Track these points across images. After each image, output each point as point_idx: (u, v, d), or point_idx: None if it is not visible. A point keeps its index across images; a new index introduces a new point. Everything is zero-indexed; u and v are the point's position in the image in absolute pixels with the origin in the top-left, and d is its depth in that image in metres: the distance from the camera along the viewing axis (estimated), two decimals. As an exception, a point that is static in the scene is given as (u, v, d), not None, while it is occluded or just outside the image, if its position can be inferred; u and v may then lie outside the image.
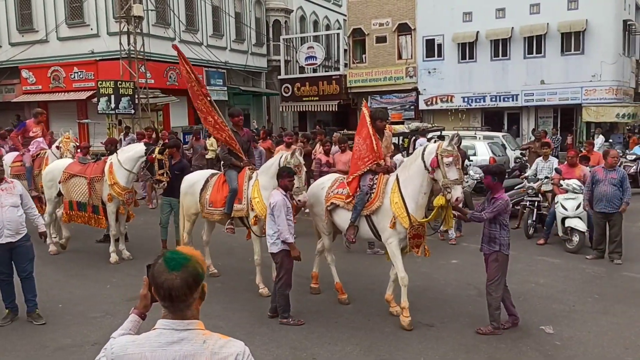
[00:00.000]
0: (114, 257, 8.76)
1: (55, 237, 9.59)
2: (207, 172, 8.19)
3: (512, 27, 24.77)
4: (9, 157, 10.78)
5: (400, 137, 16.59)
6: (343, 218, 6.61)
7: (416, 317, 6.28)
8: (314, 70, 30.70)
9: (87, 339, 5.96)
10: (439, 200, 5.86)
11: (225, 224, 7.44)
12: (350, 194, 6.51)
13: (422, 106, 27.48)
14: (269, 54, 31.40)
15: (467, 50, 26.30)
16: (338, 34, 31.61)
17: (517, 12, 24.59)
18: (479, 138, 17.78)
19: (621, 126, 24.73)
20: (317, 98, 29.33)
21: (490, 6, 25.12)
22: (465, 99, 26.49)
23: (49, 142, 10.83)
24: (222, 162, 7.96)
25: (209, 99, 7.84)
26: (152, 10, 22.47)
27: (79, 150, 10.49)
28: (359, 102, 29.49)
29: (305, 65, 30.44)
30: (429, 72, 27.17)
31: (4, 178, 6.45)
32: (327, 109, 29.31)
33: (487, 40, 25.54)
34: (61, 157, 9.88)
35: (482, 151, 15.63)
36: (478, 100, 26.30)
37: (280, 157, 6.81)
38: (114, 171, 8.55)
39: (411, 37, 27.70)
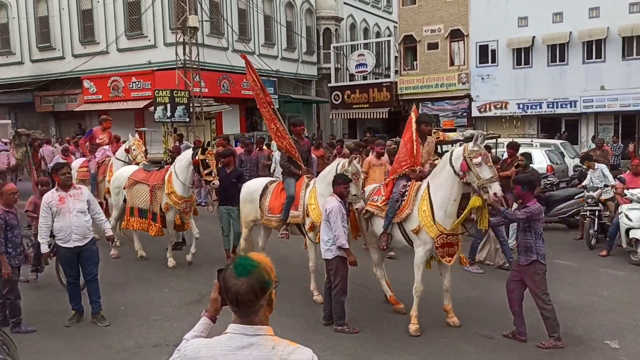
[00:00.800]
0: (171, 262, 8.92)
1: (117, 242, 9.92)
2: (265, 180, 8.29)
3: (570, 32, 24.06)
4: (76, 163, 11.24)
5: (453, 145, 16.37)
6: (379, 226, 6.63)
7: (473, 328, 6.16)
8: (364, 78, 30.69)
9: (148, 341, 6.13)
10: (475, 201, 5.79)
11: (280, 230, 7.55)
12: (385, 198, 6.56)
13: (475, 113, 27.03)
14: (319, 62, 31.61)
15: (522, 56, 25.73)
16: (389, 41, 31.51)
17: (575, 16, 23.88)
18: (536, 145, 17.30)
19: (687, 133, 23.60)
20: (367, 105, 29.30)
21: (546, 11, 24.50)
22: (521, 106, 25.88)
23: (114, 149, 11.16)
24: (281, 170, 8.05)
25: (272, 107, 7.98)
26: (206, 21, 23.00)
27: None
28: (409, 109, 29.00)
29: (356, 72, 30.47)
30: (482, 79, 26.71)
31: (72, 184, 6.73)
32: (377, 117, 29.22)
33: (543, 45, 24.91)
34: (132, 162, 10.08)
35: (539, 159, 15.19)
36: (534, 107, 25.64)
37: (338, 164, 6.83)
38: (172, 180, 8.68)
39: (464, 43, 27.33)
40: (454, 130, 19.71)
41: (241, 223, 8.22)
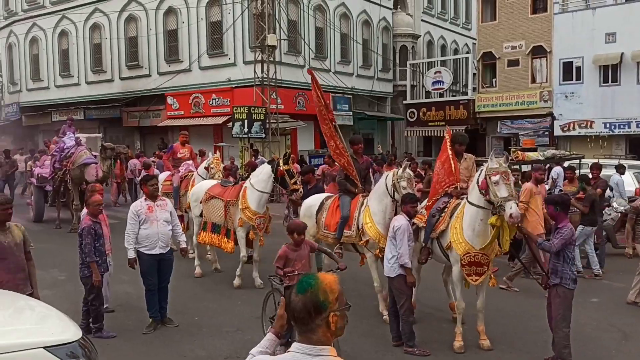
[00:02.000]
0: (237, 281, 8.83)
1: (209, 254, 10.23)
2: (322, 195, 8.34)
3: (663, 48, 22.71)
4: (161, 177, 11.72)
5: (532, 165, 15.76)
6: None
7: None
8: (441, 95, 30.27)
9: (220, 352, 6.25)
10: (492, 220, 5.76)
11: (335, 248, 7.52)
12: (426, 216, 6.66)
13: (557, 132, 25.95)
14: (394, 79, 31.51)
15: (609, 73, 24.50)
16: (467, 58, 30.98)
17: (668, 31, 22.53)
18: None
19: None
20: (443, 123, 28.78)
21: (636, 26, 23.23)
22: (607, 125, 24.60)
23: (197, 164, 11.53)
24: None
25: (334, 123, 8.03)
26: (284, 39, 23.51)
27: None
28: (487, 127, 28.56)
29: (432, 90, 30.12)
30: (566, 97, 25.65)
31: (158, 195, 7.10)
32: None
33: (633, 62, 23.63)
34: (211, 178, 10.26)
35: (627, 181, 14.35)
36: (622, 127, 24.29)
37: (386, 177, 6.92)
38: (247, 195, 8.64)
39: (546, 60, 26.41)
40: (535, 150, 19.00)
41: None
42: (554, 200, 5.86)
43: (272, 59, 21.88)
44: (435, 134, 29.66)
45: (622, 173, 13.67)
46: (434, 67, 30.63)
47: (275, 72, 22.00)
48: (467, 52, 34.45)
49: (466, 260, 5.97)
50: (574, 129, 25.53)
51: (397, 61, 31.51)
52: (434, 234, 6.44)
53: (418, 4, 33.11)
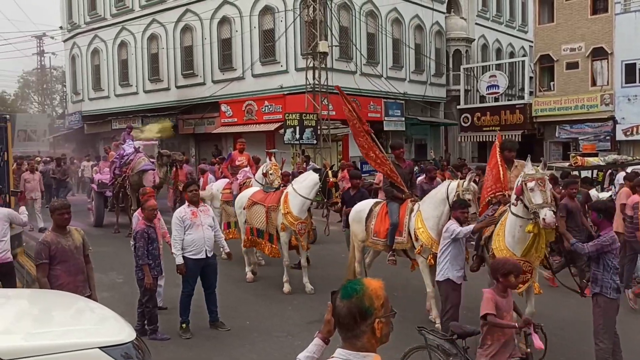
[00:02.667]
0: (286, 287, 8.83)
1: (260, 259, 10.33)
2: (371, 201, 8.33)
3: None
4: (220, 184, 11.87)
5: (593, 171, 15.21)
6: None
7: None
8: (496, 100, 29.62)
9: (271, 357, 6.29)
10: (529, 228, 5.68)
11: (388, 255, 7.58)
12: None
13: (619, 136, 24.90)
14: (448, 84, 31.06)
15: (676, 74, 23.36)
16: (523, 61, 30.20)
17: None
18: (692, 173, 15.51)
19: None
20: (498, 128, 28.15)
21: None
22: (674, 129, 23.45)
23: (254, 171, 11.66)
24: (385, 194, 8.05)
25: (370, 134, 8.02)
26: (336, 45, 23.59)
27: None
28: (545, 132, 27.73)
29: (487, 94, 29.51)
30: (629, 100, 24.60)
31: (200, 201, 7.23)
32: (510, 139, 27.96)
33: (701, 62, 22.46)
34: (269, 185, 10.19)
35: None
36: (691, 130, 23.10)
37: (448, 185, 6.87)
38: (289, 200, 8.66)
39: (607, 62, 25.43)
40: (596, 155, 18.31)
41: (351, 244, 8.31)
42: (597, 207, 5.71)
43: (323, 66, 21.99)
44: (490, 139, 29.00)
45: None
46: (489, 71, 30.02)
47: (327, 78, 22.08)
48: (524, 56, 33.62)
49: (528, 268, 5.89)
50: (637, 133, 24.44)
51: (451, 66, 31.07)
52: (482, 241, 6.43)
53: (472, 7, 32.57)
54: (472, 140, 30.29)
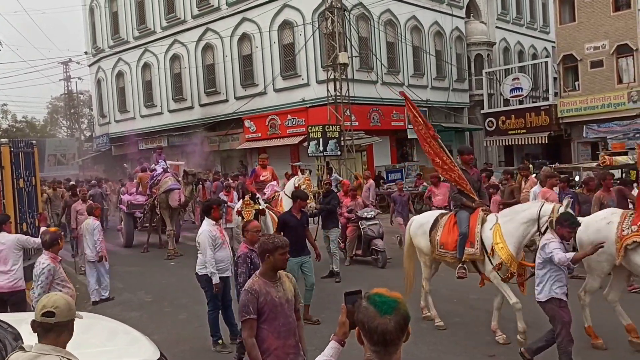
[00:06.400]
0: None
1: None
2: (435, 212, 8.01)
3: None
4: None
5: (622, 170, 14.89)
6: None
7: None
8: (520, 102, 29.28)
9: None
10: None
11: (456, 269, 7.07)
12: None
13: (650, 134, 24.35)
14: (470, 89, 30.83)
15: None
16: (546, 62, 29.83)
17: None
18: None
19: None
20: (524, 131, 27.87)
21: None
22: None
23: (279, 183, 11.68)
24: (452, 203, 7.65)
25: (437, 140, 7.57)
26: (356, 56, 23.65)
27: None
28: (572, 132, 27.27)
29: (510, 97, 29.20)
30: (658, 95, 24.07)
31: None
32: (536, 142, 27.63)
33: None
34: None
35: None
36: None
37: (541, 207, 6.32)
38: (283, 205, 8.81)
39: (633, 59, 24.94)
40: (626, 154, 17.92)
41: (420, 259, 7.81)
42: None
43: (344, 77, 22.07)
44: (516, 143, 28.67)
45: None
46: (512, 73, 29.72)
47: (348, 89, 22.15)
48: (547, 56, 33.22)
49: None
50: (668, 129, 23.87)
51: (473, 70, 30.85)
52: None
53: (492, 10, 32.36)
54: (498, 144, 29.95)
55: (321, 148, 21.07)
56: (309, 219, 8.81)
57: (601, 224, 6.37)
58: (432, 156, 7.56)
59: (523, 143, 28.18)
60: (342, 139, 21.58)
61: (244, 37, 26.54)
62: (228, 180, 15.88)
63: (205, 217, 7.27)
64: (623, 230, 6.08)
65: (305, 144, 21.92)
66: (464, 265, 6.97)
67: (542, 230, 6.14)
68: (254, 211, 8.07)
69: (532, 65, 31.39)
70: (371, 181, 17.41)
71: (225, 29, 26.86)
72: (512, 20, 34.19)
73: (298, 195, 8.38)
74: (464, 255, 6.89)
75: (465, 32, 30.53)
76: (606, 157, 14.26)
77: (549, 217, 6.02)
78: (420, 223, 7.73)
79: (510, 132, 28.40)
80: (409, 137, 26.37)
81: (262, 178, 12.11)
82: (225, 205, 13.53)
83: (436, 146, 7.51)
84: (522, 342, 6.32)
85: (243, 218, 8.02)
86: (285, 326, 4.02)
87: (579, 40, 26.42)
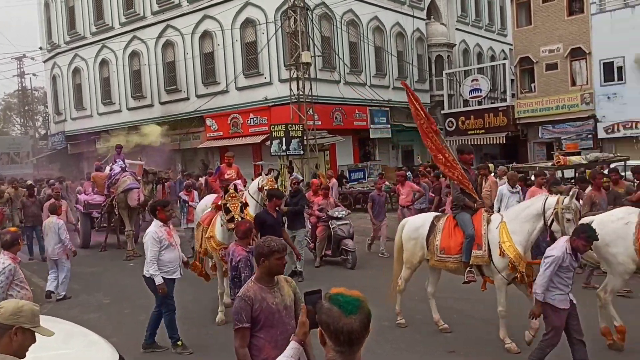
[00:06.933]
0: (220, 317, 8.08)
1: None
2: (430, 215, 7.60)
3: None
4: (209, 198, 11.61)
5: (575, 170, 15.35)
6: None
7: None
8: (479, 103, 29.87)
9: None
10: None
11: (465, 273, 6.72)
12: None
13: (601, 134, 25.22)
14: (431, 90, 31.27)
15: (653, 71, 23.76)
16: (504, 64, 30.51)
17: None
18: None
19: None
20: (482, 131, 28.46)
21: (680, 21, 22.54)
22: (654, 125, 23.80)
23: (245, 183, 11.50)
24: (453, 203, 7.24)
25: (439, 135, 7.27)
26: (318, 55, 23.68)
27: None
28: (528, 133, 27.99)
29: (470, 98, 29.77)
30: (609, 98, 24.95)
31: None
32: (494, 142, 28.25)
33: (677, 59, 22.85)
34: (264, 201, 9.28)
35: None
36: (669, 126, 23.47)
37: (545, 200, 6.22)
38: (216, 223, 7.91)
39: (586, 62, 25.79)
40: (579, 154, 18.50)
41: (404, 264, 7.42)
42: None
43: (307, 76, 22.07)
44: (475, 143, 29.22)
45: None
46: (471, 75, 30.30)
47: (311, 88, 22.17)
48: (504, 59, 33.97)
49: None
50: (618, 130, 24.79)
51: (433, 71, 31.30)
52: None
53: (452, 13, 32.89)
54: (458, 144, 30.43)
55: (284, 147, 21.04)
56: None
57: (618, 224, 6.24)
58: (434, 152, 7.18)
59: (482, 143, 28.76)
60: (305, 138, 21.60)
61: (206, 35, 26.25)
62: (189, 180, 15.68)
63: (154, 219, 7.12)
64: None
65: (268, 143, 21.85)
66: (472, 269, 6.66)
67: (549, 223, 6.06)
68: (240, 204, 7.60)
69: (491, 67, 32.05)
70: (334, 180, 17.48)
71: (186, 26, 26.51)
72: (472, 23, 34.85)
73: (274, 194, 8.27)
74: (472, 259, 6.57)
75: (426, 33, 30.96)
76: (560, 157, 14.68)
77: (554, 209, 5.93)
78: (415, 227, 7.29)
79: (469, 132, 28.96)
80: (371, 136, 26.60)
81: (226, 176, 11.94)
82: (187, 205, 13.41)
83: (438, 142, 7.14)
84: (510, 348, 6.29)
85: (229, 212, 7.47)
86: (283, 334, 3.68)
87: (534, 43, 27.15)
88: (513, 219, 6.44)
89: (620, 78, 24.68)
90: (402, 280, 7.44)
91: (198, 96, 26.70)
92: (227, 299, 8.12)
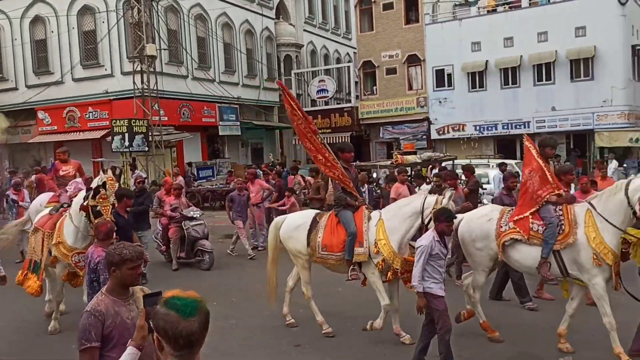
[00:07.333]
0: (53, 325, 7.39)
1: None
2: (312, 212, 7.49)
3: (521, 56, 24.91)
4: (44, 197, 10.53)
5: (411, 168, 16.59)
6: (525, 254, 6.14)
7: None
8: (326, 103, 30.96)
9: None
10: (634, 231, 5.61)
11: (348, 271, 6.66)
12: (527, 228, 6.09)
13: (434, 135, 27.54)
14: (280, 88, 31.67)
15: (477, 79, 26.46)
16: (349, 67, 31.96)
17: (525, 41, 24.75)
18: (492, 166, 17.72)
19: (635, 151, 24.53)
20: (329, 130, 29.51)
21: (498, 36, 25.35)
22: (477, 128, 26.52)
23: (85, 180, 10.64)
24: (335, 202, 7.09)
25: (317, 135, 7.16)
26: (164, 49, 22.91)
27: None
28: (371, 133, 29.63)
29: (317, 98, 30.74)
30: (440, 102, 27.30)
31: None
32: (340, 141, 29.45)
33: (496, 69, 25.69)
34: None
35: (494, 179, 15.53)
36: (490, 129, 26.30)
37: (424, 200, 6.30)
38: (64, 227, 7.18)
39: (421, 68, 27.96)
40: (415, 153, 20.02)
41: (296, 263, 7.22)
42: None
43: (152, 70, 21.24)
44: (326, 141, 30.14)
45: (504, 170, 14.78)
46: (318, 75, 31.30)
47: (157, 82, 21.39)
48: (349, 61, 35.53)
49: (616, 269, 5.67)
50: (448, 132, 27.24)
51: (282, 70, 31.79)
52: (559, 245, 5.89)
53: (300, 14, 33.66)
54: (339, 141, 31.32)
55: (127, 143, 20.04)
56: None
57: (482, 220, 6.49)
58: (313, 153, 7.10)
59: (329, 142, 29.65)
60: (149, 134, 20.78)
61: (37, 20, 24.07)
62: (17, 178, 14.31)
63: None
64: (501, 227, 6.26)
65: (109, 138, 20.66)
66: (355, 267, 6.63)
67: (426, 222, 6.13)
68: (110, 206, 6.75)
69: (337, 69, 33.40)
70: (180, 178, 17.03)
71: (15, 10, 24.06)
72: (319, 25, 35.96)
73: (124, 194, 7.78)
74: (355, 256, 6.54)
75: (275, 32, 31.36)
76: (399, 156, 15.78)
77: (433, 209, 6.00)
78: (295, 224, 7.13)
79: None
80: (220, 133, 26.31)
81: (62, 173, 10.99)
82: (17, 205, 12.23)
83: (317, 142, 7.06)
84: (403, 341, 6.42)
85: (100, 214, 6.58)
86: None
87: (376, 48, 28.83)
88: (391, 216, 6.53)
89: (449, 84, 27.12)
90: (307, 286, 7.11)
91: (28, 86, 24.42)
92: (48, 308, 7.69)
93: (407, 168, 14.36)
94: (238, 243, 12.05)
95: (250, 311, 7.91)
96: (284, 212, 11.55)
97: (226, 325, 7.21)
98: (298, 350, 6.56)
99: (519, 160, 21.07)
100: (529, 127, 25.23)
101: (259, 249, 12.07)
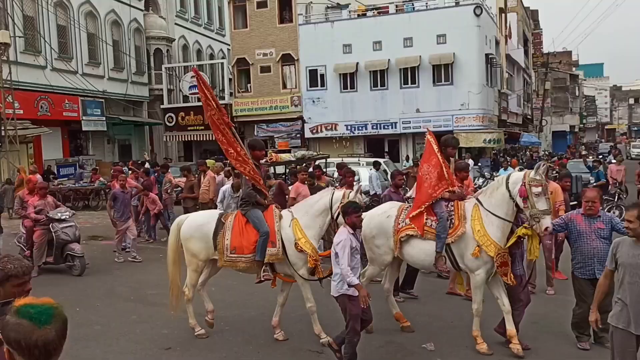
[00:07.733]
0: None
1: None
2: (215, 212, 7.12)
3: (389, 59, 26.19)
4: None
5: (285, 166, 16.78)
6: (419, 249, 6.29)
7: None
8: (199, 99, 30.19)
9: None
10: (523, 231, 5.80)
11: (260, 272, 6.40)
12: (421, 224, 6.23)
13: (308, 134, 28.08)
14: (150, 83, 30.55)
15: (348, 81, 27.39)
16: (222, 63, 31.56)
17: (392, 45, 26.06)
18: (362, 164, 18.43)
19: (488, 150, 26.88)
20: (202, 127, 28.93)
21: (367, 39, 26.43)
22: (349, 127, 27.47)
23: None
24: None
25: (231, 128, 6.89)
26: (20, 36, 21.13)
27: None
28: (246, 130, 29.51)
29: (190, 94, 29.92)
30: (313, 102, 27.90)
31: None
32: (214, 138, 28.94)
33: (366, 71, 26.77)
34: None
35: (365, 176, 16.19)
36: (360, 128, 27.37)
37: (332, 195, 6.28)
38: None
39: (295, 68, 28.36)
40: (289, 152, 20.24)
41: (188, 266, 6.77)
42: None
43: (5, 58, 19.50)
44: (195, 139, 29.59)
45: (378, 169, 15.50)
46: (190, 71, 30.53)
47: (10, 72, 19.68)
48: (223, 58, 35.11)
49: (499, 261, 5.84)
50: (321, 131, 27.92)
51: (152, 64, 30.63)
52: (450, 238, 6.07)
53: (171, 7, 32.63)
54: (177, 139, 30.46)
55: (-25, 138, 18.21)
56: None
57: (382, 217, 6.58)
58: (225, 146, 6.79)
59: (202, 139, 29.26)
60: (3, 128, 19.06)
61: None
62: None
63: None
64: (399, 224, 6.37)
65: (-47, 132, 18.65)
66: (267, 268, 6.40)
67: (335, 216, 6.14)
68: None
69: (210, 65, 32.84)
70: (38, 176, 15.80)
71: None
72: (191, 19, 35.12)
73: None
74: (267, 257, 6.32)
75: (144, 25, 30.14)
76: (273, 154, 15.85)
77: (340, 203, 5.97)
78: (197, 224, 6.72)
79: (189, 128, 29.18)
80: (83, 129, 24.80)
81: None
82: None
83: (230, 135, 6.80)
84: (324, 343, 6.26)
85: None
86: None
87: (250, 46, 28.76)
88: (304, 214, 6.43)
89: (322, 84, 27.81)
90: (191, 288, 6.76)
91: None
92: None
93: (282, 166, 14.51)
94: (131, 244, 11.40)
95: (116, 316, 7.55)
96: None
97: (90, 332, 6.83)
98: (168, 353, 6.38)
99: (387, 159, 22.21)
100: (395, 127, 26.66)
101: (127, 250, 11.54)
